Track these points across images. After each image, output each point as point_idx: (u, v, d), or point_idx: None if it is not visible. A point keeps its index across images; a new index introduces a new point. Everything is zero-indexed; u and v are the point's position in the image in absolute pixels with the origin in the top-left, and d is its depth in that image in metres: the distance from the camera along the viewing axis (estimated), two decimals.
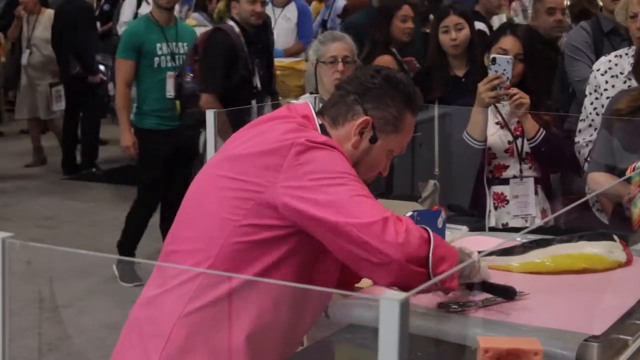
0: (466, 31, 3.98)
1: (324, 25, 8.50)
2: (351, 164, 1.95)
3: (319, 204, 1.84)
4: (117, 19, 9.25)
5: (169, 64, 5.34)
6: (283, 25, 7.55)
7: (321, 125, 2.05)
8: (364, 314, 1.99)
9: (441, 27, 3.98)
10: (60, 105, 8.19)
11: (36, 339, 4.37)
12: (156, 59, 5.30)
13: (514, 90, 3.40)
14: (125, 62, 5.29)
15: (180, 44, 5.40)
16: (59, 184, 8.03)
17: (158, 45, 5.31)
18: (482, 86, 3.37)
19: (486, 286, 2.04)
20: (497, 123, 3.50)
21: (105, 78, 8.62)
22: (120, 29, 7.90)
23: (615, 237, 2.40)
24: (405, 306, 1.16)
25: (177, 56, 5.37)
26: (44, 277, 4.69)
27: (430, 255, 1.83)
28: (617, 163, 3.09)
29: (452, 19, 3.97)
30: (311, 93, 3.74)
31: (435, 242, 1.86)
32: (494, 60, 3.37)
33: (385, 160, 2.09)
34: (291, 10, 7.58)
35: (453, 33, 3.95)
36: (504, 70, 3.34)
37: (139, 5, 8.44)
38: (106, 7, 9.72)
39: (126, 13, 8.44)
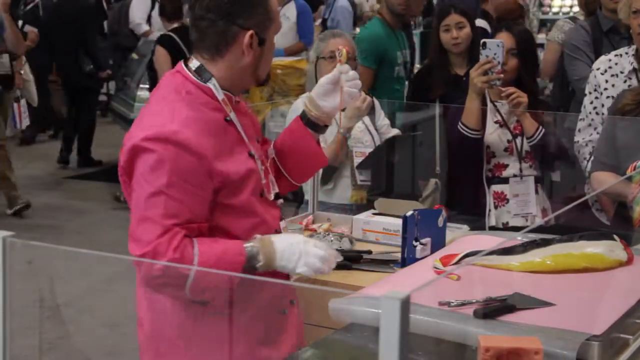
0: (467, 30, 3.98)
1: (324, 24, 8.50)
2: (253, 70, 2.14)
3: (133, 205, 2.05)
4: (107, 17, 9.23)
5: (402, 74, 4.93)
6: (283, 25, 7.55)
7: (199, 67, 2.12)
8: (365, 313, 1.99)
9: (442, 26, 3.98)
10: (27, 122, 7.30)
11: (36, 338, 4.36)
12: (397, 68, 4.89)
13: (512, 89, 3.40)
14: (367, 70, 4.69)
15: (406, 51, 5.01)
16: (60, 183, 8.03)
17: (398, 53, 4.90)
18: (473, 72, 3.39)
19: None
20: (496, 122, 3.50)
21: (111, 73, 8.63)
22: (135, 29, 7.89)
23: (615, 236, 2.40)
24: (406, 305, 1.15)
25: (407, 65, 4.99)
26: (44, 276, 4.69)
27: (188, 289, 1.98)
28: (621, 162, 3.08)
29: (454, 18, 3.97)
30: None
31: (199, 278, 1.98)
32: (484, 45, 3.38)
33: (273, 44, 2.21)
34: (290, 10, 7.57)
35: (454, 32, 3.95)
36: (495, 54, 3.35)
37: (152, 6, 8.42)
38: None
39: (139, 13, 8.38)
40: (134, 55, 8.12)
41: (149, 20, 8.47)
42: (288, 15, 7.55)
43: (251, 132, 2.20)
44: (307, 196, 3.49)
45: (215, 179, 2.03)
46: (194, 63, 2.14)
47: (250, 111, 2.30)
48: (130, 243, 2.02)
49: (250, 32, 2.09)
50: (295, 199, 4.16)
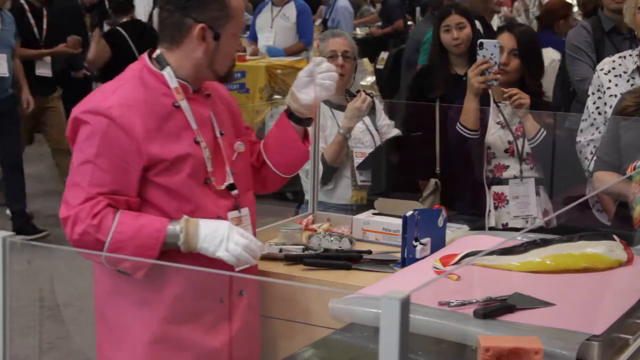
0: (468, 30, 3.98)
1: (324, 24, 8.50)
2: (209, 63, 2.23)
3: (70, 171, 2.20)
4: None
5: None
6: (281, 24, 7.55)
7: (159, 55, 2.25)
8: (365, 313, 1.99)
9: (443, 26, 3.97)
10: None
11: (37, 338, 4.37)
12: None
13: (514, 90, 3.39)
14: None
15: None
16: (60, 183, 8.02)
17: None
18: (470, 72, 3.39)
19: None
20: (498, 123, 3.50)
21: (89, 74, 8.54)
22: None
23: (615, 237, 2.40)
24: (405, 304, 1.15)
25: None
26: (44, 276, 4.69)
27: (104, 257, 2.12)
28: (624, 162, 3.08)
29: (454, 18, 3.96)
30: None
31: (115, 246, 2.10)
32: (481, 45, 3.38)
33: (236, 41, 2.30)
34: (290, 9, 7.57)
35: (455, 32, 3.95)
36: (492, 54, 3.35)
37: (154, 5, 8.43)
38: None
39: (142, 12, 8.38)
40: None
41: (150, 19, 8.46)
42: (288, 15, 7.56)
43: (207, 122, 2.28)
44: (307, 196, 3.49)
45: (142, 156, 2.14)
46: (157, 52, 2.28)
47: (232, 107, 2.42)
48: (61, 205, 2.17)
49: (201, 25, 2.19)
50: (295, 199, 4.16)
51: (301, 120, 2.44)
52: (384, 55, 6.93)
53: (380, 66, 7.08)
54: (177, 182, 2.19)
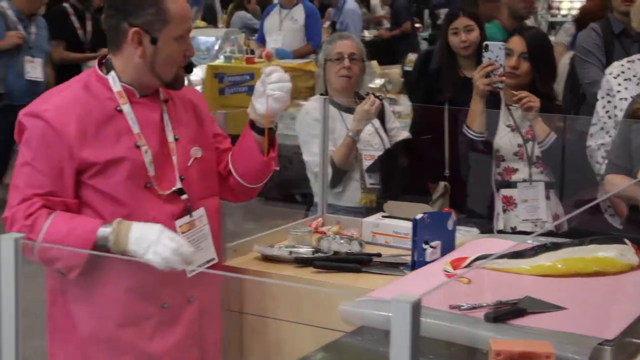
0: (476, 33, 3.97)
1: (333, 27, 8.50)
2: (150, 68, 2.21)
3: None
4: None
5: None
6: (289, 27, 7.55)
7: (107, 60, 2.27)
8: (376, 316, 1.98)
9: (451, 29, 3.97)
10: None
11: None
12: None
13: (524, 93, 3.39)
14: None
15: None
16: None
17: None
18: (475, 74, 3.39)
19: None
20: (508, 125, 3.49)
21: None
22: None
23: (626, 240, 2.39)
24: (416, 308, 1.15)
25: None
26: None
27: (36, 256, 2.15)
28: (635, 165, 3.07)
29: (462, 21, 3.96)
30: (321, 94, 3.74)
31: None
32: (486, 47, 3.38)
33: (180, 46, 2.23)
34: (298, 12, 7.57)
35: (463, 35, 3.94)
36: (497, 57, 3.34)
37: None
38: None
39: None
40: None
41: None
42: (296, 17, 7.55)
43: (156, 126, 2.27)
44: (316, 199, 3.49)
45: (74, 160, 2.17)
46: (108, 57, 2.30)
47: (200, 113, 2.40)
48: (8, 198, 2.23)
49: (135, 29, 2.18)
50: (304, 202, 4.15)
51: (263, 130, 2.38)
52: (412, 56, 6.87)
53: (408, 68, 7.02)
54: (112, 185, 2.21)
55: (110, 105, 2.23)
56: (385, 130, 3.76)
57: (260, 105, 2.33)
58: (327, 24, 9.22)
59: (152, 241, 2.10)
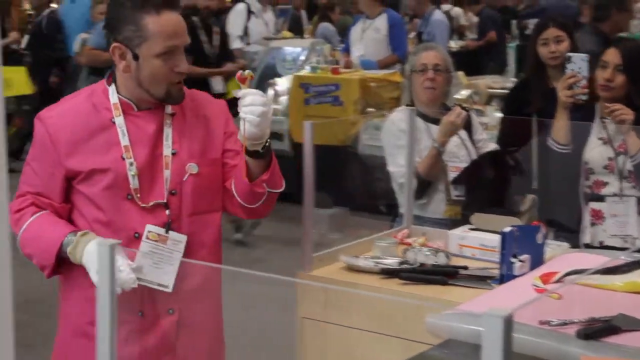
0: (566, 44, 3.91)
1: (419, 37, 8.47)
2: (138, 83, 2.28)
3: None
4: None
5: None
6: (372, 36, 7.56)
7: (112, 73, 2.34)
8: (463, 329, 1.96)
9: (540, 40, 3.92)
10: None
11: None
12: None
13: (617, 105, 3.32)
14: None
15: None
16: None
17: None
18: (559, 86, 3.34)
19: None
20: (600, 138, 3.42)
21: None
22: (234, 43, 7.97)
23: None
24: (508, 322, 1.14)
25: None
26: None
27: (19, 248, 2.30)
28: None
29: (552, 32, 3.90)
30: (407, 105, 3.74)
31: (22, 243, 2.32)
32: (569, 59, 3.34)
33: (164, 63, 2.24)
34: (381, 22, 7.57)
35: (552, 46, 3.89)
36: (579, 68, 3.29)
37: (248, 17, 8.53)
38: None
39: (236, 26, 8.46)
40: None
41: (245, 31, 8.54)
42: (379, 27, 7.55)
43: (148, 140, 2.30)
44: (401, 210, 3.48)
45: (62, 166, 2.29)
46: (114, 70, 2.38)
47: (214, 128, 2.38)
48: None
49: (116, 44, 2.26)
50: (388, 213, 4.15)
51: (254, 152, 2.30)
52: None
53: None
54: (95, 193, 2.30)
55: (107, 116, 2.32)
56: (473, 142, 3.73)
57: (241, 129, 2.25)
58: (412, 34, 9.19)
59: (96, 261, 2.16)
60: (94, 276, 2.17)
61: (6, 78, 8.25)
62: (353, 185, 6.46)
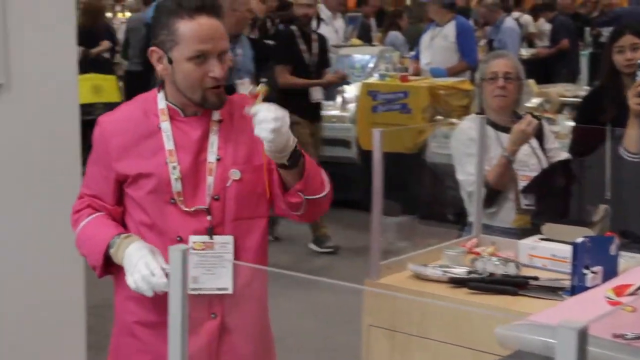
0: None
1: (490, 45, 8.39)
2: (177, 88, 2.31)
3: None
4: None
5: None
6: (440, 44, 7.53)
7: (161, 79, 2.38)
8: (534, 341, 1.93)
9: (615, 47, 3.84)
10: None
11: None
12: None
13: None
14: None
15: None
16: None
17: None
18: (629, 93, 3.27)
19: None
20: None
21: None
22: None
23: None
24: (583, 335, 1.12)
25: None
26: None
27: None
28: None
29: (628, 39, 3.82)
30: (477, 113, 3.70)
31: (78, 244, 2.41)
32: (639, 66, 3.26)
33: (197, 67, 2.25)
34: (450, 29, 7.53)
35: (628, 53, 3.81)
36: None
37: (318, 25, 8.57)
38: None
39: None
40: None
41: None
42: (447, 34, 7.51)
43: (192, 146, 2.32)
44: (470, 218, 3.45)
45: (113, 170, 2.35)
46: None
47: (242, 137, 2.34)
48: None
49: (153, 48, 2.31)
50: (457, 221, 4.11)
51: (283, 165, 2.28)
52: None
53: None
54: (141, 196, 2.33)
55: (155, 122, 2.35)
56: (544, 151, 3.68)
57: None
58: (483, 42, 9.11)
59: (131, 264, 2.22)
60: (129, 278, 2.23)
61: (96, 85, 8.49)
62: (421, 194, 6.43)
